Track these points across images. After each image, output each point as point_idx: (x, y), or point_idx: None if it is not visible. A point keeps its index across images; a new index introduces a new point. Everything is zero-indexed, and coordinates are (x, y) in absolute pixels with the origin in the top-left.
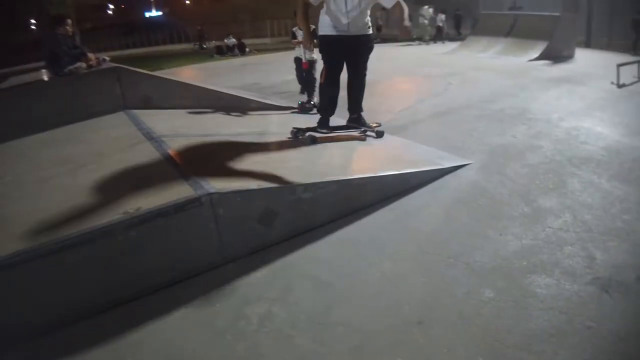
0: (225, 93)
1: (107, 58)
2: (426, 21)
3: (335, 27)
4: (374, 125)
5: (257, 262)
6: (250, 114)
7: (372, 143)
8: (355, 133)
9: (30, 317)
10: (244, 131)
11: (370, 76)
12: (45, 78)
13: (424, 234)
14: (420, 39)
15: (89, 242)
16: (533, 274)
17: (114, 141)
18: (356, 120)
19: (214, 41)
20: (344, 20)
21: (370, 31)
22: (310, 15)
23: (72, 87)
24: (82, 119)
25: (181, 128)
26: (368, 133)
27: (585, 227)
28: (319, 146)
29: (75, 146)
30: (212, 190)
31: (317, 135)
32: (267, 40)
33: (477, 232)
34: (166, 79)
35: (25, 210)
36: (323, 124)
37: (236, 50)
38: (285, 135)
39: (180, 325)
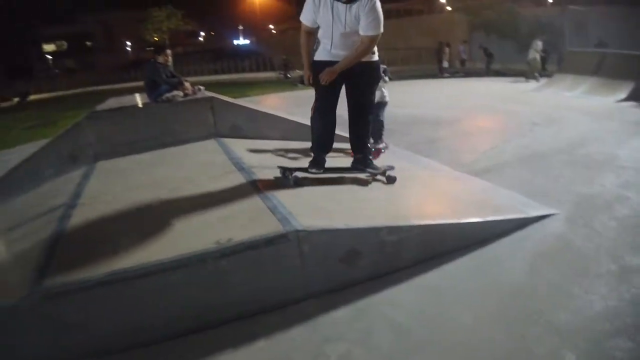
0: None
1: (202, 87)
2: (537, 55)
3: (327, 52)
4: (384, 168)
5: (338, 301)
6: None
7: (455, 185)
8: (358, 175)
9: (123, 331)
10: (331, 166)
11: (453, 112)
12: (141, 103)
13: (505, 287)
14: (528, 76)
15: (184, 267)
16: (616, 338)
17: (205, 168)
18: (360, 161)
19: (297, 70)
20: (329, 46)
21: (374, 58)
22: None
23: (169, 113)
24: (176, 144)
25: (268, 160)
26: (378, 177)
27: None
28: (399, 186)
29: (169, 170)
30: (300, 227)
31: (307, 175)
32: None
33: (561, 289)
34: (256, 110)
35: (122, 230)
36: (314, 163)
37: None
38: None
39: (258, 357)
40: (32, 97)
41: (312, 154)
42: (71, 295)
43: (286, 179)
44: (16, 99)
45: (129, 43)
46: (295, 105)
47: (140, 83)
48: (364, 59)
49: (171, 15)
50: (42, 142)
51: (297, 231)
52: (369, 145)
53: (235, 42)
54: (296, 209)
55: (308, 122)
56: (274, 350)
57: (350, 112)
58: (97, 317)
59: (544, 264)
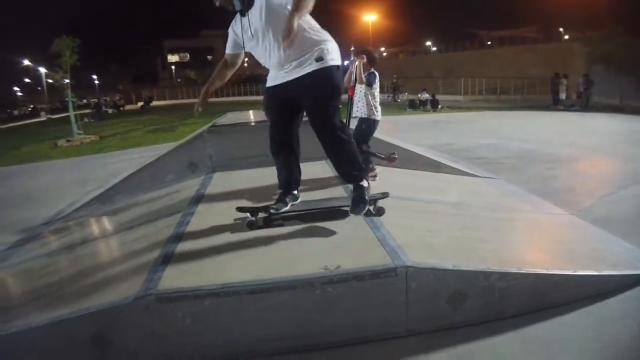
0: (421, 155)
1: None
2: None
3: (270, 77)
4: (377, 196)
5: (439, 343)
6: (443, 180)
7: (570, 231)
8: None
9: (226, 342)
10: (439, 199)
11: (568, 150)
12: (255, 121)
13: (616, 348)
14: None
15: (292, 289)
16: None
17: (319, 190)
18: (359, 198)
19: (407, 94)
20: (264, 62)
21: (326, 62)
22: None
23: None
24: None
25: (376, 187)
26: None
27: None
28: (512, 228)
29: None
30: (409, 263)
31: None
32: (459, 97)
33: None
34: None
35: (234, 244)
36: (278, 201)
37: (428, 106)
38: (480, 208)
39: None
40: (155, 102)
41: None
42: (183, 301)
43: (252, 222)
44: (140, 104)
45: (246, 59)
46: (402, 129)
47: (255, 97)
48: (304, 70)
49: None
50: (163, 146)
51: (406, 267)
52: (362, 174)
53: (345, 62)
54: (406, 242)
55: (415, 149)
56: None
57: (321, 143)
58: (204, 325)
59: None
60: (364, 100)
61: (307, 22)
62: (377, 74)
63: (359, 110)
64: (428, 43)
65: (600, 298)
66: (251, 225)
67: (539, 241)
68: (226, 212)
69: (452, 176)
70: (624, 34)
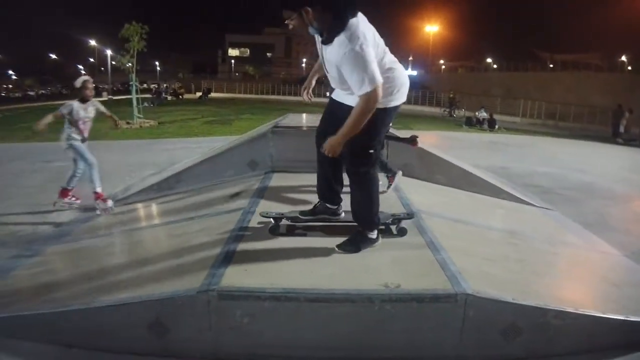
0: (480, 177)
1: None
2: None
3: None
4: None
5: None
6: (500, 205)
7: (625, 275)
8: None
9: (280, 345)
10: (496, 225)
11: (626, 187)
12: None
13: None
14: None
15: (351, 302)
16: None
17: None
18: (354, 240)
19: (464, 110)
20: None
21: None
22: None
23: None
24: None
25: (435, 206)
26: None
27: None
28: (569, 265)
29: None
30: (469, 291)
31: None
32: (517, 119)
33: None
34: (430, 152)
35: (293, 249)
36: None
37: (485, 125)
38: (536, 240)
39: None
40: (212, 94)
41: None
42: (244, 301)
43: (273, 228)
44: (199, 94)
45: (304, 59)
46: (458, 147)
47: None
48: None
49: None
50: (220, 139)
51: (467, 294)
52: (370, 224)
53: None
54: (464, 268)
55: (475, 170)
56: None
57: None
58: (261, 326)
59: None
60: None
61: (383, 59)
62: None
63: None
64: (488, 60)
65: None
66: (273, 231)
67: (592, 281)
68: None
69: (508, 202)
70: None
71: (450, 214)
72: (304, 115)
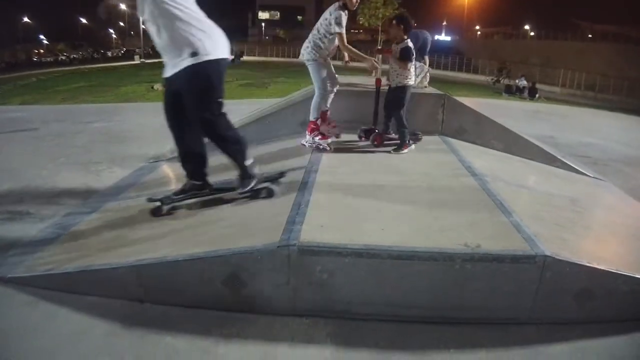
0: (535, 144)
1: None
2: None
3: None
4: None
5: (558, 335)
6: (555, 173)
7: None
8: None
9: (357, 301)
10: (557, 192)
11: None
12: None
13: None
14: None
15: (433, 260)
16: None
17: (438, 166)
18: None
19: (506, 79)
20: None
21: (193, 59)
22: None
23: None
24: None
25: (498, 171)
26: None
27: None
28: (629, 235)
29: (400, 158)
30: (548, 253)
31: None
32: (556, 89)
33: None
34: (484, 116)
35: (363, 207)
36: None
37: (526, 93)
38: (598, 208)
39: None
40: (244, 57)
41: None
42: (324, 256)
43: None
44: (231, 57)
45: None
46: (501, 115)
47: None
48: (184, 62)
49: (388, 3)
50: (258, 101)
51: (545, 256)
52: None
53: (436, 37)
54: (538, 232)
55: (530, 138)
56: None
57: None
58: (340, 281)
59: None
60: (397, 73)
61: (188, 14)
62: (411, 47)
63: (393, 81)
64: (526, 27)
65: None
66: (154, 213)
67: None
68: (348, 174)
69: (562, 171)
70: None
71: (512, 179)
72: (348, 77)
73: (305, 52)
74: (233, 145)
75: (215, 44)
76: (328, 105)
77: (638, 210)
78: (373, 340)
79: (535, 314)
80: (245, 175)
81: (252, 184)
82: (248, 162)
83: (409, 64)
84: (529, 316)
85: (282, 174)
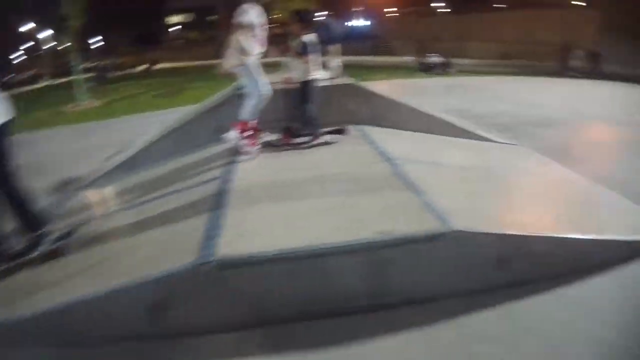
0: (447, 122)
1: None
2: None
3: None
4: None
5: (483, 302)
6: (468, 145)
7: (597, 199)
8: None
9: (288, 304)
10: (469, 164)
11: (588, 119)
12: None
13: None
14: None
15: (350, 253)
16: None
17: (353, 156)
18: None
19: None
20: None
21: None
22: None
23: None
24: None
25: (412, 153)
26: None
27: None
28: (547, 195)
29: (317, 154)
30: (458, 228)
31: None
32: (471, 61)
33: None
34: (396, 101)
35: (277, 210)
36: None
37: (440, 69)
38: (510, 174)
39: (408, 347)
40: (159, 65)
41: None
42: (243, 267)
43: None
44: (144, 66)
45: None
46: (416, 94)
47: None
48: None
49: None
50: (174, 110)
51: (455, 231)
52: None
53: (354, 23)
54: (449, 207)
55: (437, 114)
56: (419, 343)
57: None
58: (263, 289)
59: None
60: (300, 68)
61: None
62: (307, 41)
63: (299, 76)
64: (434, 4)
65: (630, 261)
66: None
67: (571, 209)
68: (265, 176)
69: (475, 142)
70: None
71: (425, 158)
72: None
73: (231, 58)
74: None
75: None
76: (257, 113)
77: (548, 168)
78: (305, 341)
79: (458, 287)
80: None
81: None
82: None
83: (308, 58)
84: (453, 289)
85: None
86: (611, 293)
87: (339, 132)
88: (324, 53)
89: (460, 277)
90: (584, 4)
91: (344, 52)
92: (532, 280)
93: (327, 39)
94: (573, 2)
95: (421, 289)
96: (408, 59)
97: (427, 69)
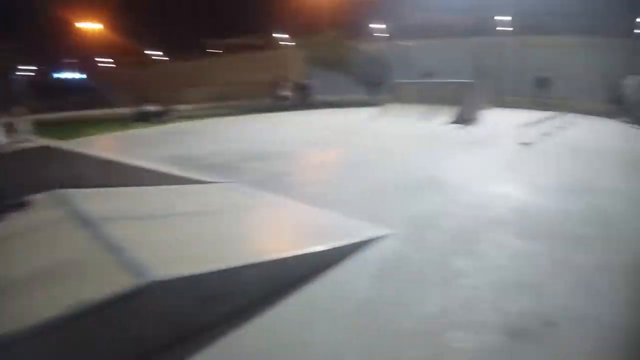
0: (154, 171)
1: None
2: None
3: None
4: None
5: (198, 345)
6: (184, 192)
7: (301, 217)
8: None
9: None
10: (181, 210)
11: (295, 146)
12: None
13: (354, 306)
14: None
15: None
16: (452, 331)
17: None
18: None
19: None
20: None
21: None
22: None
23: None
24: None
25: (118, 210)
26: None
27: (496, 284)
28: (253, 223)
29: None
30: (154, 278)
31: None
32: (189, 106)
33: (400, 300)
34: (100, 158)
35: None
36: None
37: (154, 118)
38: (218, 212)
39: None
40: None
41: None
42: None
43: None
44: None
45: None
46: (133, 145)
47: None
48: None
49: None
50: None
51: (153, 282)
52: None
53: (56, 75)
54: (144, 256)
55: (146, 165)
56: None
57: None
58: None
59: (384, 280)
60: None
61: None
62: None
63: None
64: (150, 52)
65: (333, 267)
66: None
67: (274, 230)
68: None
69: (193, 186)
70: (337, 38)
71: (134, 214)
72: None
73: None
74: None
75: None
76: None
77: (262, 199)
78: None
79: (172, 334)
80: None
81: None
82: None
83: None
84: (168, 339)
85: None
86: (318, 300)
87: (19, 206)
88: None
89: (170, 326)
90: (292, 44)
91: (50, 108)
92: (244, 310)
93: (8, 97)
94: (282, 43)
95: (135, 345)
96: (125, 110)
97: (145, 119)
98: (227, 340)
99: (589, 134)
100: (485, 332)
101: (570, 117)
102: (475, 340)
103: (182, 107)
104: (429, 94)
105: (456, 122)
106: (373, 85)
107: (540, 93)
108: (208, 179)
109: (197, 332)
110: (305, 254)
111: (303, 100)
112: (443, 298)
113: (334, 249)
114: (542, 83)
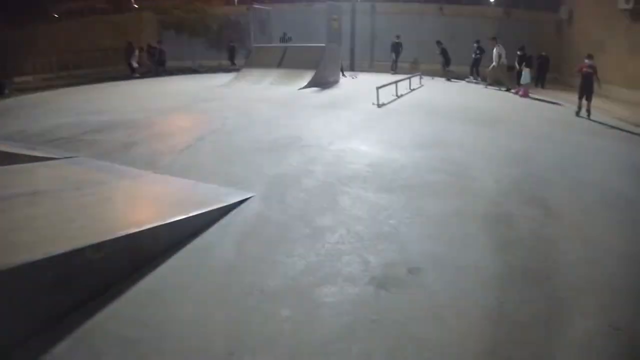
0: None
1: None
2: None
3: None
4: None
5: (59, 332)
6: (22, 171)
7: (157, 188)
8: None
9: None
10: (15, 192)
11: (147, 114)
12: None
13: (220, 271)
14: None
15: None
16: (320, 287)
17: None
18: None
19: None
20: None
21: None
22: None
23: None
24: None
25: None
26: None
27: (358, 236)
28: (98, 200)
29: None
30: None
31: None
32: (28, 78)
33: (266, 259)
34: None
35: None
36: None
37: None
38: (64, 191)
39: None
40: None
41: None
42: None
43: None
44: None
45: None
46: None
47: None
48: None
49: None
50: None
51: None
52: None
53: None
54: None
55: None
56: None
57: None
58: None
59: (248, 242)
60: None
61: None
62: None
63: None
64: None
65: (196, 235)
66: None
67: (129, 205)
68: None
69: (24, 166)
70: (194, 2)
71: None
72: None
73: None
74: None
75: None
76: None
77: (111, 172)
78: None
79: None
80: None
81: None
82: None
83: None
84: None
85: None
86: (184, 269)
87: None
88: None
89: (24, 318)
90: (145, 7)
91: None
92: (105, 288)
93: None
94: (135, 6)
95: None
96: None
97: None
98: (88, 326)
99: (437, 93)
100: (354, 285)
101: (418, 79)
102: (345, 293)
103: (23, 78)
104: (288, 59)
105: (314, 85)
106: (232, 50)
107: (394, 57)
108: (50, 155)
109: (54, 320)
110: (163, 225)
111: (158, 67)
112: (308, 254)
113: (196, 215)
114: (396, 48)
